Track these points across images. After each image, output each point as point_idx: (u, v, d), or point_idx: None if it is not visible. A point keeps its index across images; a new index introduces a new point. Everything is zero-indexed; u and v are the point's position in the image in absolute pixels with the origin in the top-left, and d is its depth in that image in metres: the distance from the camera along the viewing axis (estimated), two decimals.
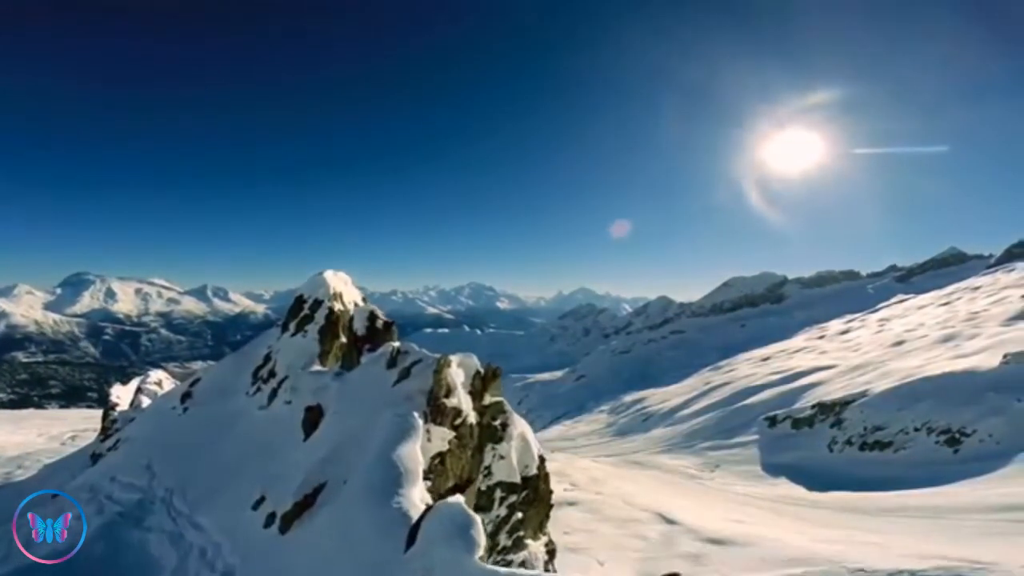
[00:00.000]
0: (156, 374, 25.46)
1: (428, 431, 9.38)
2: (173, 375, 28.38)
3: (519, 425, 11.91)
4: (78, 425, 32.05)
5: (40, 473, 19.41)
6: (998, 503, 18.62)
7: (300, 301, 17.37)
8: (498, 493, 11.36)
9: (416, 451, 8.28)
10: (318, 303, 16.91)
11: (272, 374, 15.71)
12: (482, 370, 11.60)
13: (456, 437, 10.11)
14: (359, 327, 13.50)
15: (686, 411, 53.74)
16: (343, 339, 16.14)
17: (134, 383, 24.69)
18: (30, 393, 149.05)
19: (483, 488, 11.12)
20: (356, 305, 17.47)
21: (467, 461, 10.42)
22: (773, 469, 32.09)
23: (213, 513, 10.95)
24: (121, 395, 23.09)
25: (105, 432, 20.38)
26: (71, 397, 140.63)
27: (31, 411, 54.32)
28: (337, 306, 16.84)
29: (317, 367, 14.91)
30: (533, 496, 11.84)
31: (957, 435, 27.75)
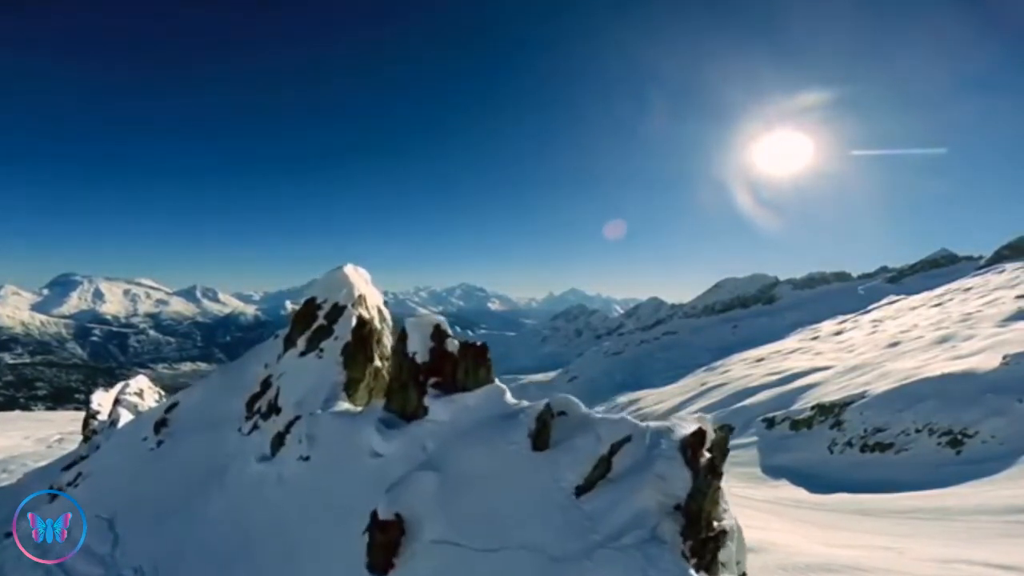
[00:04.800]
0: (137, 382, 24.15)
1: None
2: (158, 379, 27.49)
3: (731, 509, 7.50)
4: (65, 427, 31.40)
5: (23, 479, 18.78)
6: (1007, 505, 18.33)
7: (312, 306, 13.31)
8: None
9: None
10: (339, 309, 12.87)
11: (275, 409, 11.85)
12: (714, 435, 6.88)
13: None
14: (418, 350, 8.94)
15: (682, 412, 53.47)
16: (378, 363, 12.23)
17: (116, 389, 23.61)
18: (16, 395, 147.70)
19: None
20: (380, 311, 13.77)
21: None
22: (773, 471, 31.80)
23: None
24: (103, 402, 22.04)
25: (86, 439, 19.61)
26: (58, 399, 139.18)
27: (17, 413, 53.36)
28: (363, 313, 12.87)
29: (344, 404, 10.79)
30: None
31: (959, 436, 27.58)
